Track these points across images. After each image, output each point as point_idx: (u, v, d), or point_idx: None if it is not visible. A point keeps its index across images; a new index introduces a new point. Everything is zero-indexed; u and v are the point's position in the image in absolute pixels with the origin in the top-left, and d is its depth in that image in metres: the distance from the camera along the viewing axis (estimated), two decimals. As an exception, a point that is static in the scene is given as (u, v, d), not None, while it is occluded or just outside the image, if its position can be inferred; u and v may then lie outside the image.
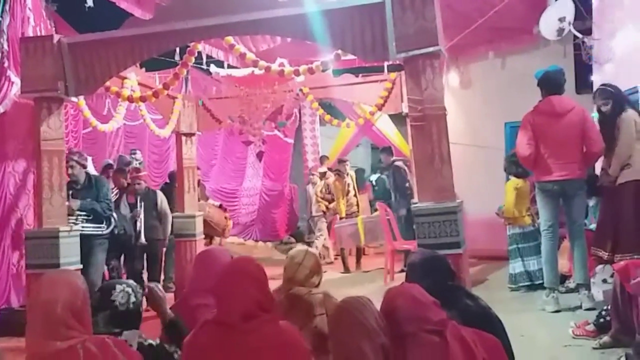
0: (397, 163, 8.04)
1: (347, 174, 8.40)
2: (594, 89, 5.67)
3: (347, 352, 1.97)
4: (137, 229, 6.17)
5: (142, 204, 6.31)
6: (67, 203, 4.74)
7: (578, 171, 4.89)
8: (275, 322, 2.23)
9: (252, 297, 2.20)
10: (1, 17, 5.16)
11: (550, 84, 5.01)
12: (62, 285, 2.10)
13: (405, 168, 7.84)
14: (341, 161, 8.67)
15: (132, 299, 2.50)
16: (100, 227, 5.33)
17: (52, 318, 2.01)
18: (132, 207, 6.31)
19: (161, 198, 6.61)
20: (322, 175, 8.96)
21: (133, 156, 8.19)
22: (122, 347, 2.13)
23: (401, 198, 7.58)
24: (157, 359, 2.37)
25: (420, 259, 2.71)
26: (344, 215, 8.24)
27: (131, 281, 2.70)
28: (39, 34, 5.37)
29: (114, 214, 5.57)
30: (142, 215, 6.21)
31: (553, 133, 4.89)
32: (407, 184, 7.70)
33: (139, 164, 7.67)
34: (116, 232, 5.60)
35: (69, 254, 4.07)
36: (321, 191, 8.82)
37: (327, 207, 8.63)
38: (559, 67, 5.19)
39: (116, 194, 6.25)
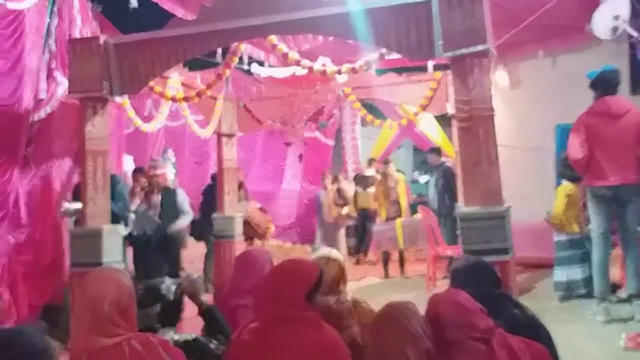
0: (448, 164, 7.87)
1: (391, 176, 8.26)
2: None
3: (390, 357, 1.95)
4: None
5: (161, 201, 6.18)
6: (76, 205, 4.67)
7: (633, 176, 4.68)
8: (318, 324, 2.24)
9: (300, 295, 2.22)
10: (50, 18, 5.27)
11: (605, 84, 4.82)
12: (109, 283, 2.14)
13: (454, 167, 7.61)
14: (386, 162, 8.48)
15: (177, 289, 2.55)
16: None
17: (99, 315, 2.04)
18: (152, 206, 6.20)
19: (181, 197, 6.47)
20: (335, 179, 8.72)
21: (165, 155, 8.21)
22: (166, 346, 2.15)
23: (450, 200, 7.40)
24: (193, 354, 2.37)
25: (464, 266, 2.67)
26: (384, 218, 8.12)
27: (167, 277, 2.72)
28: (85, 35, 5.46)
29: (131, 215, 5.42)
30: (156, 202, 6.10)
31: (608, 135, 4.70)
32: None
33: (172, 164, 7.68)
34: (135, 233, 5.53)
35: (112, 252, 4.10)
36: (333, 196, 8.45)
37: (339, 214, 8.21)
38: (613, 67, 4.99)
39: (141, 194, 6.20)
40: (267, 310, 2.26)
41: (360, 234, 9.50)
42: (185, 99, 5.16)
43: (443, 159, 8.04)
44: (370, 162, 10.02)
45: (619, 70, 4.96)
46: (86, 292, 2.13)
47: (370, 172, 9.47)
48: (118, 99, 4.41)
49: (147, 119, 6.85)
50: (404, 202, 8.25)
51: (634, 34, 5.73)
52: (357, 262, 9.34)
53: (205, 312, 2.66)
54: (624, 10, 5.56)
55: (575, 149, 4.84)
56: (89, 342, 2.03)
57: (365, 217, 9.15)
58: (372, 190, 8.96)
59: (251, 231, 7.33)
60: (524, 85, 7.56)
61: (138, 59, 4.15)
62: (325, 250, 2.96)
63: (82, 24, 5.53)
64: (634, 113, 4.71)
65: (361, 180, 9.41)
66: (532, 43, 7.16)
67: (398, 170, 9.42)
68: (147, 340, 2.11)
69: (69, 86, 4.32)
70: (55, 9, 5.35)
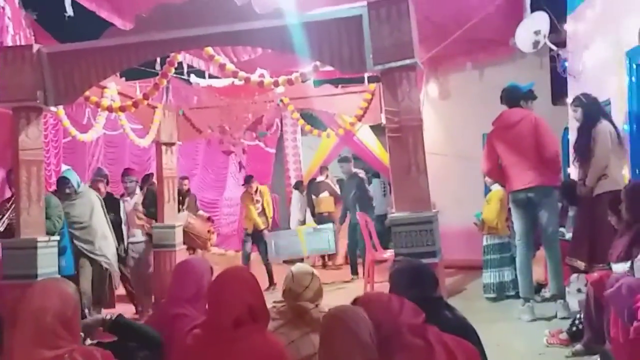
0: (360, 174, 8.17)
1: (257, 190, 8.07)
2: (569, 100, 5.80)
3: None
4: None
5: None
6: None
7: (540, 177, 5.00)
8: (262, 332, 2.30)
9: (245, 302, 2.26)
10: (-21, 26, 5.14)
11: (505, 99, 5.29)
12: (53, 294, 2.11)
13: (366, 178, 8.14)
14: (248, 179, 8.18)
15: None
16: None
17: (42, 326, 2.02)
18: None
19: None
20: (147, 179, 7.19)
21: (99, 172, 7.59)
22: (108, 359, 2.14)
23: (362, 209, 7.70)
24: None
25: (407, 268, 2.68)
26: (262, 227, 7.91)
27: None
28: (18, 42, 5.34)
29: None
30: None
31: (508, 144, 5.11)
32: (369, 194, 8.08)
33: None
34: None
35: (47, 264, 4.05)
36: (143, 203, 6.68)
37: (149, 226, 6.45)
38: (531, 83, 5.41)
39: None
40: (215, 315, 2.30)
41: None
42: (122, 108, 5.14)
43: (355, 169, 8.29)
44: (322, 169, 10.19)
45: (515, 85, 5.37)
46: (30, 304, 2.09)
47: (320, 178, 9.71)
48: (53, 108, 4.35)
49: (87, 127, 6.73)
50: (270, 213, 8.31)
51: (553, 47, 6.09)
52: (324, 267, 9.44)
53: (112, 326, 2.58)
54: (544, 26, 5.91)
55: (483, 162, 5.31)
56: (30, 354, 2.00)
57: (320, 221, 9.23)
58: (325, 195, 9.40)
59: (191, 241, 7.28)
60: (454, 96, 7.88)
61: (73, 68, 4.12)
62: (305, 266, 3.06)
63: (15, 31, 5.40)
64: (526, 121, 5.07)
65: (315, 186, 9.62)
66: (461, 56, 7.50)
67: (338, 180, 9.54)
68: (90, 353, 2.10)
69: (0, 95, 4.25)
70: (-14, 16, 5.22)
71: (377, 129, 8.47)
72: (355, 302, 2.14)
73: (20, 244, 4.06)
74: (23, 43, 5.34)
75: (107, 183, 6.94)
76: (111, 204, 6.21)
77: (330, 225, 8.29)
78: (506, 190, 5.45)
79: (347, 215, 8.31)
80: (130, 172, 6.82)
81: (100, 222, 5.79)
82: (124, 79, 6.02)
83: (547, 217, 5.07)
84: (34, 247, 4.00)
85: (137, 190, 6.69)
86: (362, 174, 8.27)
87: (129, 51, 4.06)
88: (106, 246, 5.78)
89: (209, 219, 8.15)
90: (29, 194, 4.12)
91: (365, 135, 9.59)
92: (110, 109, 5.17)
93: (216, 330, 2.27)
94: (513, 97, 5.27)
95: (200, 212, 8.32)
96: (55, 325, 2.02)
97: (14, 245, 4.10)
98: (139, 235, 6.49)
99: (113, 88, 5.37)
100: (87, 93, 4.59)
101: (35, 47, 4.17)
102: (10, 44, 5.24)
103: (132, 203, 6.53)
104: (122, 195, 6.73)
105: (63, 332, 2.04)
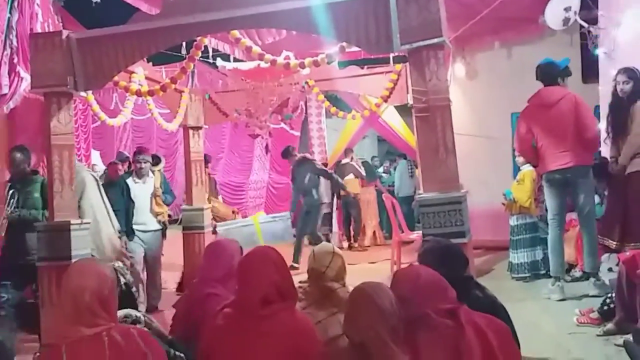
0: (307, 156, 8.11)
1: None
2: (600, 78, 5.68)
3: (360, 332, 2.00)
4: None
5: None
6: None
7: (577, 158, 4.91)
8: (291, 311, 2.34)
9: (273, 281, 2.31)
10: (10, 13, 5.21)
11: (541, 76, 5.12)
12: (91, 274, 2.16)
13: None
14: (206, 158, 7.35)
15: (122, 279, 2.57)
16: None
17: (80, 305, 2.07)
18: None
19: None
20: (156, 161, 6.52)
21: (121, 156, 7.21)
22: (145, 338, 2.19)
23: (318, 194, 7.80)
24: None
25: (436, 248, 2.71)
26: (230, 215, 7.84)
27: (116, 263, 2.71)
28: (46, 29, 5.42)
29: None
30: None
31: (545, 124, 4.98)
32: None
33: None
34: None
35: (81, 246, 4.11)
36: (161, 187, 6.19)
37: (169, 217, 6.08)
38: (566, 58, 5.23)
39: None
40: (243, 294, 2.35)
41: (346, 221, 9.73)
42: (150, 92, 5.18)
43: (303, 154, 8.21)
44: (347, 152, 10.21)
45: (552, 61, 5.17)
46: (68, 283, 2.14)
47: (345, 160, 9.73)
48: (82, 93, 4.40)
49: (114, 113, 6.81)
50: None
51: (584, 24, 5.95)
52: (349, 248, 9.51)
53: None
54: (575, 2, 5.77)
55: (517, 141, 5.20)
56: (69, 332, 2.06)
57: (347, 204, 9.51)
58: (350, 177, 9.45)
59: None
60: (481, 75, 7.76)
61: (102, 53, 4.15)
62: (328, 245, 3.09)
63: (44, 18, 5.48)
64: (566, 100, 4.94)
65: (340, 169, 9.64)
66: (488, 35, 7.37)
67: (364, 162, 9.51)
68: (127, 331, 2.15)
69: (31, 81, 4.30)
70: (16, 3, 5.27)
71: (403, 110, 8.41)
72: (394, 277, 2.22)
73: (53, 227, 4.13)
74: (52, 30, 5.41)
75: (129, 167, 6.99)
76: (120, 185, 5.72)
77: (286, 214, 8.29)
78: (538, 171, 5.38)
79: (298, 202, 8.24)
80: (144, 151, 6.39)
81: (93, 205, 4.92)
82: (151, 63, 6.06)
83: (584, 196, 5.01)
84: (67, 229, 4.06)
85: (150, 173, 6.15)
86: (309, 156, 8.26)
87: (157, 36, 4.07)
88: (95, 232, 4.76)
89: (224, 201, 8.18)
90: (61, 178, 4.19)
91: (391, 116, 9.52)
92: (139, 93, 5.22)
93: (245, 309, 2.32)
94: (550, 74, 5.10)
95: (220, 198, 8.38)
96: (93, 304, 2.08)
97: (48, 228, 4.18)
98: (152, 224, 6.03)
99: (140, 73, 5.41)
100: (115, 78, 4.65)
101: (65, 33, 4.21)
102: (39, 30, 5.31)
103: (149, 186, 6.02)
104: (126, 173, 6.21)
105: (100, 310, 2.09)
